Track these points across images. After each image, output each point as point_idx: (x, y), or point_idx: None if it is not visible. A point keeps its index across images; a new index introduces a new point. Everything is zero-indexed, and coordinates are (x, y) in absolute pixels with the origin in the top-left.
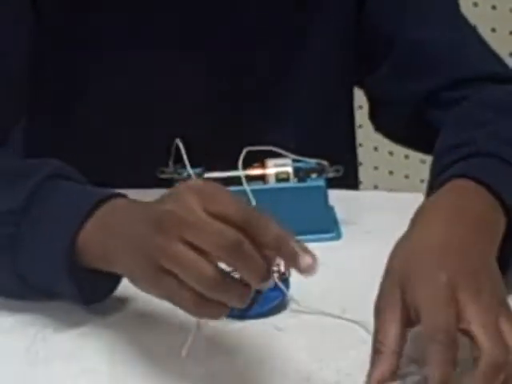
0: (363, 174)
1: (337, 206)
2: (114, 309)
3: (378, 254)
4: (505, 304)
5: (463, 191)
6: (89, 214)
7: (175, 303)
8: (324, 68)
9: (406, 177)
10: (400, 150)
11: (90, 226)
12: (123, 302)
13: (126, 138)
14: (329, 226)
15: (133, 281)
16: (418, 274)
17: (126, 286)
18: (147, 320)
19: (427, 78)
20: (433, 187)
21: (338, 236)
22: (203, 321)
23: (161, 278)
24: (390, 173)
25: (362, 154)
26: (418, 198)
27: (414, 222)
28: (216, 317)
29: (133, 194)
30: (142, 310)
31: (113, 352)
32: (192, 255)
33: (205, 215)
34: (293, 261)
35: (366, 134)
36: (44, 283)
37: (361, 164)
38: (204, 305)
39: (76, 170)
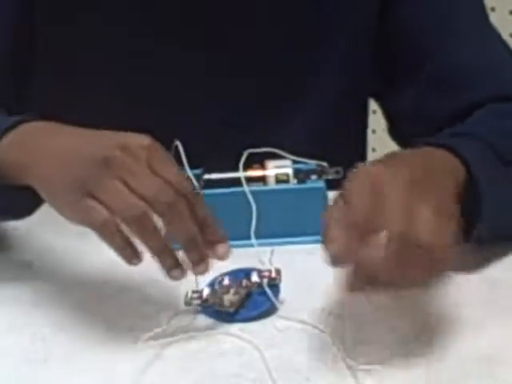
0: None
1: None
2: (111, 309)
3: None
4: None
5: (432, 153)
6: (7, 129)
7: (88, 223)
8: (338, 75)
9: None
10: None
11: (9, 137)
12: (121, 302)
13: (118, 105)
14: None
15: (49, 197)
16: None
17: (129, 289)
18: (146, 321)
19: (464, 96)
20: None
21: None
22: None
23: (84, 200)
24: None
25: (368, 157)
26: None
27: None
28: (124, 255)
29: None
30: (142, 312)
31: (110, 352)
32: (126, 191)
33: (148, 170)
34: (210, 245)
35: (378, 137)
36: None
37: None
38: (114, 231)
39: None
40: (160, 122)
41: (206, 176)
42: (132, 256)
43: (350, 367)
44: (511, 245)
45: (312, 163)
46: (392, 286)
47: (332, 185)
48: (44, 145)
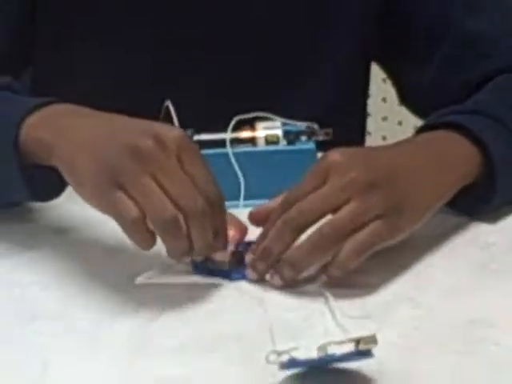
0: (371, 143)
1: None
2: (103, 271)
3: None
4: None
5: (441, 136)
6: (31, 109)
7: (116, 215)
8: (344, 46)
9: None
10: (409, 121)
11: (35, 117)
12: (112, 262)
13: (117, 98)
14: None
15: (73, 180)
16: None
17: (119, 248)
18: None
19: (481, 66)
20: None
21: None
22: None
23: (113, 191)
24: None
25: (371, 123)
26: None
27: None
28: (143, 247)
29: None
30: (133, 271)
31: (99, 312)
32: (159, 192)
33: (180, 170)
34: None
35: (375, 103)
36: None
37: (369, 133)
38: (142, 229)
39: None
40: (157, 83)
41: (196, 137)
42: (150, 247)
43: (341, 325)
44: (505, 209)
45: (302, 125)
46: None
47: (322, 146)
48: (68, 125)
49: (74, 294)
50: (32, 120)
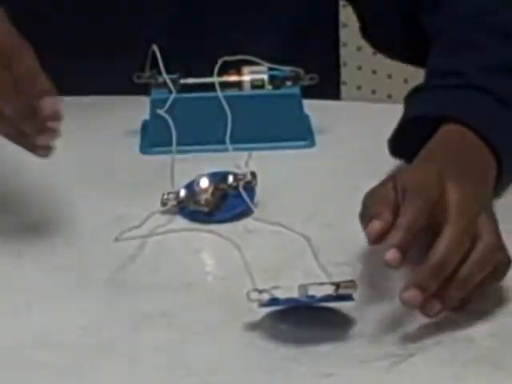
0: (345, 92)
1: (312, 115)
2: (86, 209)
3: (350, 163)
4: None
5: (458, 141)
6: None
7: None
8: None
9: (389, 96)
10: (383, 69)
11: None
12: (97, 203)
13: (104, 40)
14: (303, 134)
15: None
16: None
17: (105, 190)
18: (121, 221)
19: None
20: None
21: (312, 144)
22: None
23: None
24: (373, 92)
25: (345, 72)
26: (391, 109)
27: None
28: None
29: (110, 100)
30: (117, 212)
31: (85, 250)
32: None
33: None
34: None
35: (349, 52)
36: None
37: (344, 83)
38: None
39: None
40: (137, 27)
41: (183, 80)
42: None
43: (321, 265)
44: None
45: (287, 70)
46: None
47: (307, 92)
48: None
49: (56, 231)
50: None
